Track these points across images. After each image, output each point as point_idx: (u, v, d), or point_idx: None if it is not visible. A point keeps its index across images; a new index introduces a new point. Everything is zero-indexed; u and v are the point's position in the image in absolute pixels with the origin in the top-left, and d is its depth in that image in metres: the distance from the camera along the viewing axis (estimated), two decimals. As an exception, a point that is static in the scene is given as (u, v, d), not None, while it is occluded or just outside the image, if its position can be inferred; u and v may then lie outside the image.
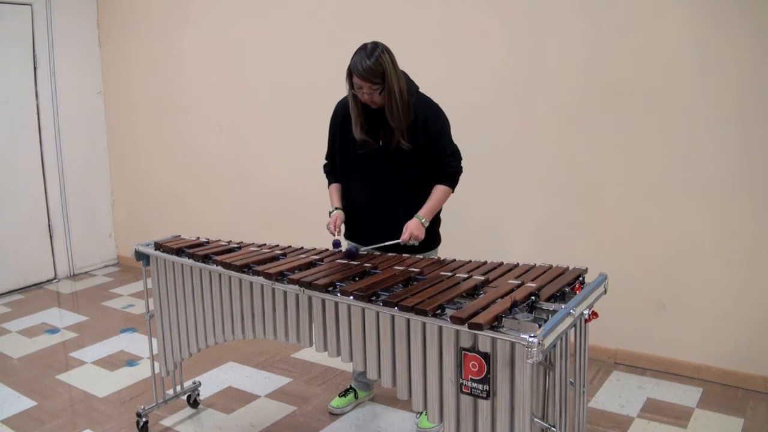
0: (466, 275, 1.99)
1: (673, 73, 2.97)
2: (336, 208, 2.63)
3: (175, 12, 4.79)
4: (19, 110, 4.84)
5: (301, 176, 4.21)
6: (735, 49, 2.82)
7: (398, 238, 2.44)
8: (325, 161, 2.73)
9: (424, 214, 2.46)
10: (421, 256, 2.36)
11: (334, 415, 2.84)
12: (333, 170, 2.69)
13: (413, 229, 2.43)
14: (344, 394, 2.89)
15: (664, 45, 2.97)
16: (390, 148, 2.44)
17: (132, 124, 5.28)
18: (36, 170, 4.99)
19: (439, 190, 2.52)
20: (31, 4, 4.81)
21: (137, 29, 5.06)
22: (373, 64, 2.29)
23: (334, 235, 2.55)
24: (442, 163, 2.51)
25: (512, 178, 3.49)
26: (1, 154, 4.74)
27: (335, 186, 2.68)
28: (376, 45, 2.35)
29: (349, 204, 2.64)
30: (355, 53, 2.35)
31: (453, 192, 2.57)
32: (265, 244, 2.56)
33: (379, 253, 2.44)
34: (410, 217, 2.47)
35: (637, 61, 3.05)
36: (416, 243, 2.45)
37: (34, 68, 4.89)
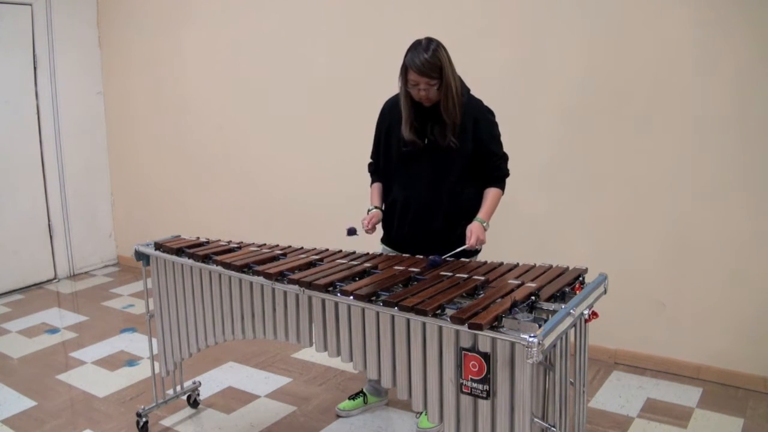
0: (466, 275, 1.99)
1: (673, 73, 2.97)
2: (375, 207, 2.58)
3: (175, 12, 4.79)
4: (19, 110, 4.83)
5: (302, 176, 4.21)
6: (734, 49, 2.82)
7: (448, 242, 2.38)
8: (370, 160, 2.68)
9: (484, 217, 2.40)
10: (456, 260, 2.30)
11: (335, 416, 2.84)
12: (377, 169, 2.64)
13: (479, 232, 2.35)
14: (354, 397, 2.86)
15: (664, 46, 2.97)
16: (437, 146, 2.38)
17: (132, 124, 5.28)
18: (36, 170, 4.98)
19: (492, 192, 2.46)
20: (31, 4, 4.81)
21: (137, 29, 5.06)
22: (431, 58, 2.22)
23: (363, 228, 2.48)
24: (493, 165, 2.46)
25: (512, 177, 3.47)
26: (1, 154, 4.74)
27: (377, 185, 2.63)
28: (430, 40, 2.28)
29: (388, 204, 2.59)
30: (409, 49, 2.28)
31: (503, 194, 2.51)
32: (265, 244, 2.56)
33: (380, 253, 2.44)
34: (448, 218, 2.42)
35: (637, 62, 3.05)
36: (479, 248, 2.40)
37: (34, 68, 4.89)
